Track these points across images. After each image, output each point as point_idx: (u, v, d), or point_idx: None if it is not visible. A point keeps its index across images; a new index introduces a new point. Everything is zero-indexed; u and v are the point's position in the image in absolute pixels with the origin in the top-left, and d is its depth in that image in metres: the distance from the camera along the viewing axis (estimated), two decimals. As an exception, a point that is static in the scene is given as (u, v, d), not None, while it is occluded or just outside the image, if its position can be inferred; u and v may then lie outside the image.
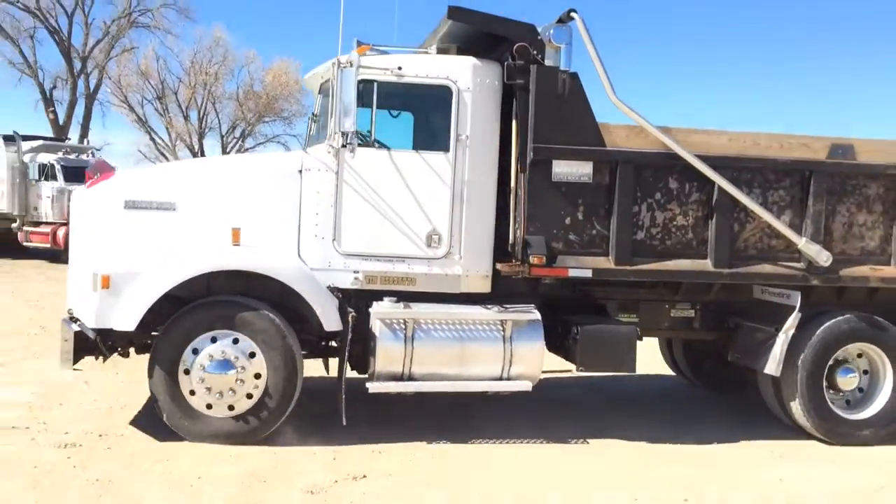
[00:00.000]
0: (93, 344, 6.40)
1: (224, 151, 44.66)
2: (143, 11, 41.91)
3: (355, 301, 6.81)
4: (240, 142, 46.94)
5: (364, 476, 5.89)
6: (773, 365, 7.14)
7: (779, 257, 7.15)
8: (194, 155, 43.47)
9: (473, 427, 7.25)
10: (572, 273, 6.83)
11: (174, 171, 7.05)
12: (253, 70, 46.67)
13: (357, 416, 6.64)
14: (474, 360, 6.74)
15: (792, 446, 7.20)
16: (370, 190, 6.76)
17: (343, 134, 6.27)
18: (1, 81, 49.49)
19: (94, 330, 6.22)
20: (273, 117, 47.72)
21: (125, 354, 6.88)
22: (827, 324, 7.21)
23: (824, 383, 7.25)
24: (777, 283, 7.23)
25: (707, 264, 7.02)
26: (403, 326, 6.62)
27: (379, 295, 6.79)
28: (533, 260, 6.71)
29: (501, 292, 7.14)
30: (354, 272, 6.77)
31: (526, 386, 6.79)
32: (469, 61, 6.85)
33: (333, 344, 7.05)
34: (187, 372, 6.31)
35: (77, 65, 40.85)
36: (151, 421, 6.69)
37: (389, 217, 6.78)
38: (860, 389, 7.45)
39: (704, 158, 6.88)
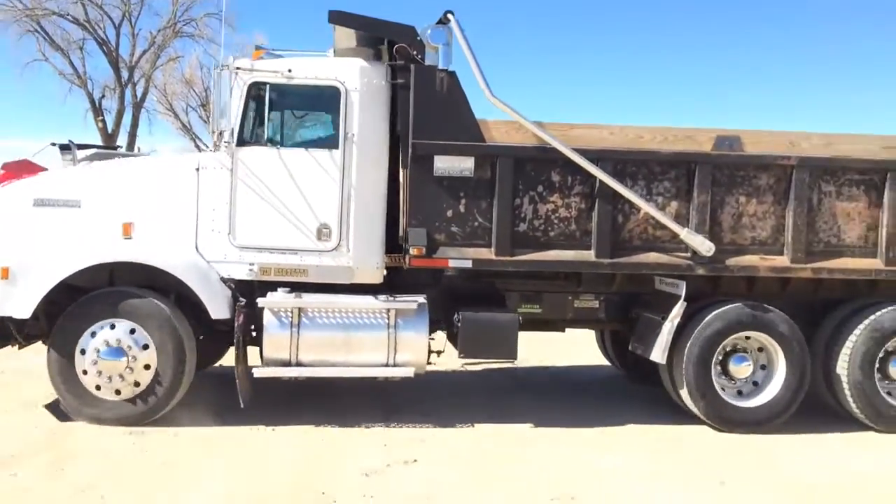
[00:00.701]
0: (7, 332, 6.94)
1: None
2: (187, 21, 42.78)
3: (259, 293, 7.19)
4: (282, 146, 47.87)
5: (415, 460, 6.27)
6: (658, 352, 7.28)
7: (666, 248, 7.28)
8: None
9: (517, 412, 7.74)
10: (452, 263, 7.09)
11: (83, 171, 7.54)
12: None
13: (402, 405, 7.54)
14: (360, 347, 7.07)
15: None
16: (263, 186, 7.13)
17: (225, 133, 6.67)
18: (52, 93, 51.68)
19: None
20: (314, 121, 48.73)
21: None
22: (714, 312, 7.30)
23: (716, 370, 7.34)
24: (661, 273, 7.36)
25: (590, 255, 7.19)
26: (290, 315, 6.98)
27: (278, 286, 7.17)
28: (412, 251, 7.00)
29: (406, 284, 7.43)
30: (249, 264, 7.16)
31: (409, 372, 7.07)
32: (356, 63, 7.18)
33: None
34: (83, 352, 6.79)
35: (124, 74, 42.03)
36: (210, 409, 7.18)
37: (282, 212, 7.15)
38: (755, 382, 7.50)
39: (585, 152, 7.06)
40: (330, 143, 7.19)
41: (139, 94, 43.41)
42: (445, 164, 7.07)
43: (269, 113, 7.14)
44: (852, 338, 7.37)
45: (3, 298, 6.73)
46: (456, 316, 7.20)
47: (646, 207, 7.13)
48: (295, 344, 6.97)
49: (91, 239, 6.93)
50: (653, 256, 7.28)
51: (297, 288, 7.21)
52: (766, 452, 6.83)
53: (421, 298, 7.20)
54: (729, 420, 7.34)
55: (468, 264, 7.11)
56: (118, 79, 41.71)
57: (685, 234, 7.14)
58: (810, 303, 7.77)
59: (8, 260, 6.78)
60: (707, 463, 6.50)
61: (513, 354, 7.27)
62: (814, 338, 7.62)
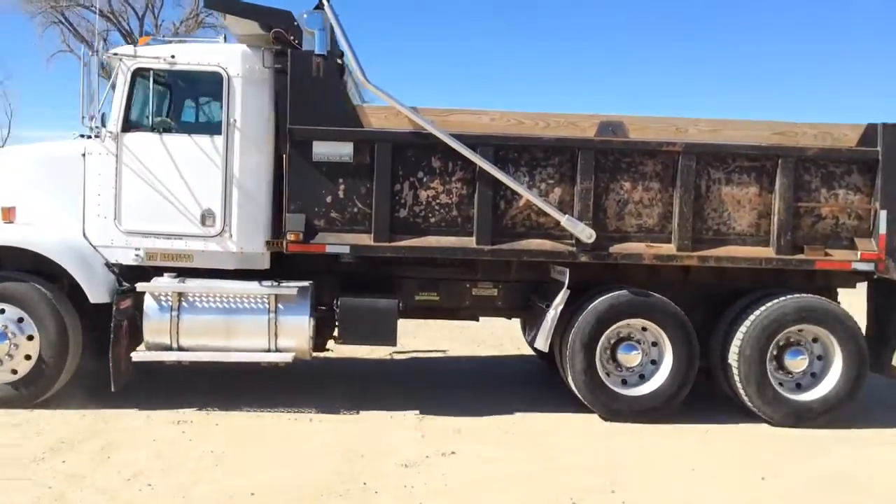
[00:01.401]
0: None
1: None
2: (209, 12, 43.13)
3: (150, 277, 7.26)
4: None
5: (453, 452, 6.28)
6: (541, 340, 7.26)
7: (552, 234, 7.23)
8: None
9: (538, 403, 7.78)
10: (329, 249, 7.11)
11: None
12: None
13: (439, 397, 7.67)
14: (241, 332, 7.12)
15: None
16: (147, 171, 7.19)
17: (95, 118, 6.74)
18: (76, 85, 52.21)
19: None
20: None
21: None
22: (598, 299, 7.24)
23: (601, 358, 7.28)
24: (544, 260, 7.31)
25: (471, 241, 7.17)
26: (170, 300, 7.04)
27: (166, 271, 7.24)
28: (290, 237, 7.04)
29: (301, 271, 7.45)
30: (136, 249, 7.23)
31: (288, 357, 7.10)
32: (238, 48, 7.22)
33: None
34: None
35: None
36: (250, 400, 7.37)
37: (167, 197, 7.20)
38: (641, 375, 7.44)
39: (464, 137, 7.03)
40: (213, 128, 7.24)
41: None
42: (324, 150, 7.08)
43: (152, 99, 7.19)
44: (743, 328, 7.26)
45: None
46: (335, 302, 7.21)
47: (524, 193, 7.09)
48: (175, 328, 7.03)
49: None
50: (535, 243, 7.24)
51: (187, 274, 7.27)
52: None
53: (304, 284, 7.22)
54: (614, 410, 7.28)
55: (346, 250, 7.12)
56: None
57: (565, 220, 7.09)
58: (716, 293, 7.66)
59: None
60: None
61: (391, 340, 7.29)
62: (715, 328, 7.53)
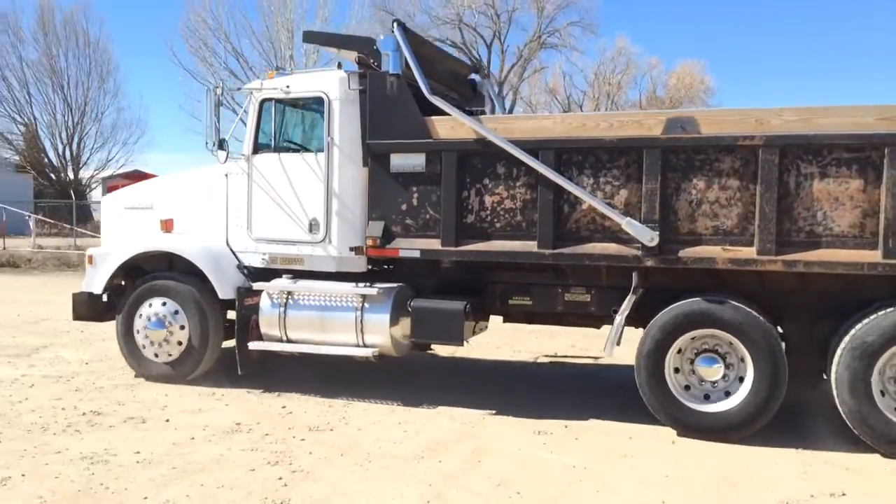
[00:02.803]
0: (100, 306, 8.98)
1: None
2: (551, 32, 45.32)
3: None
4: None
5: (843, 494, 5.55)
6: (607, 346, 7.01)
7: (617, 238, 6.96)
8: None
9: None
10: (402, 253, 7.60)
11: (156, 183, 9.41)
12: (655, 75, 47.84)
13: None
14: (334, 327, 7.90)
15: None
16: (270, 187, 8.33)
17: (214, 143, 8.02)
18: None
19: (86, 293, 8.85)
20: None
21: None
22: (666, 309, 6.80)
23: (671, 371, 6.84)
24: (607, 264, 7.03)
25: (533, 245, 7.17)
26: (280, 298, 8.08)
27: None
28: (368, 242, 7.67)
29: (401, 275, 8.10)
30: (263, 254, 8.41)
31: (372, 353, 7.72)
32: (336, 74, 8.04)
33: None
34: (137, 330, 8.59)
35: (495, 89, 45.61)
36: (615, 414, 7.39)
37: (284, 208, 8.27)
38: (726, 391, 6.79)
39: (525, 143, 7.09)
40: (318, 147, 8.13)
41: (508, 107, 46.84)
42: (400, 161, 7.61)
43: (275, 124, 8.32)
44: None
45: (89, 279, 8.83)
46: (409, 303, 7.67)
47: (582, 196, 6.92)
48: (283, 322, 8.04)
49: (148, 233, 8.75)
50: (599, 247, 7.01)
51: (302, 275, 8.26)
52: None
53: (391, 286, 7.80)
54: (684, 424, 6.77)
55: (416, 254, 7.55)
56: (487, 95, 45.02)
57: (626, 223, 6.78)
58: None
59: (93, 250, 8.88)
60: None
61: (458, 340, 7.55)
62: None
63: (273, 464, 5.91)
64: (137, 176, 10.20)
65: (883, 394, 6.33)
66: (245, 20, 35.78)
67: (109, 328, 9.19)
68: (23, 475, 5.59)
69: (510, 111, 44.73)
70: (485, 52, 44.58)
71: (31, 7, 39.02)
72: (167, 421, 7.07)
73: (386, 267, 8.25)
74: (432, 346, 8.33)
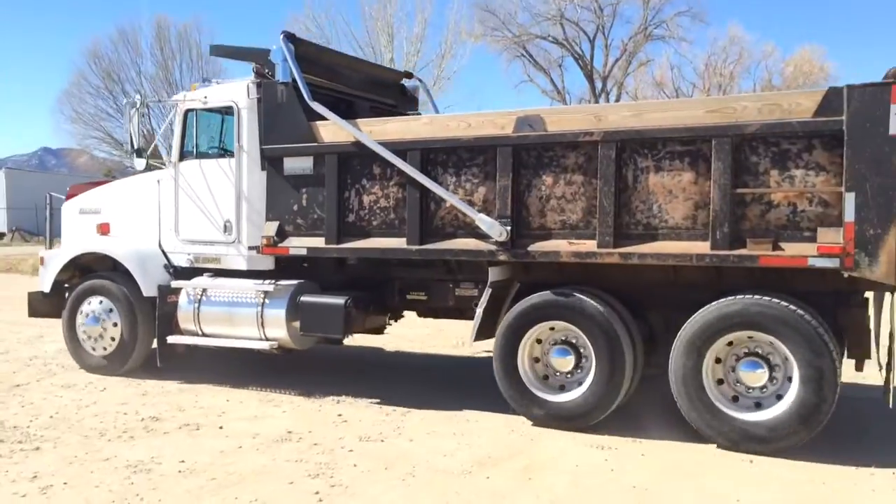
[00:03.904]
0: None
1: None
2: (657, 24, 43.60)
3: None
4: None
5: None
6: (470, 338, 7.28)
7: (477, 234, 7.22)
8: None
9: None
10: (292, 251, 8.07)
11: (105, 189, 10.14)
12: (771, 64, 45.16)
13: None
14: (240, 322, 8.43)
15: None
16: (193, 192, 8.96)
17: (135, 152, 8.71)
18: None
19: (40, 292, 9.68)
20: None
21: None
22: (523, 301, 7.03)
23: (526, 361, 7.05)
24: (467, 259, 7.31)
25: (403, 242, 7.51)
26: (195, 294, 8.68)
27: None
28: (263, 241, 8.18)
29: (311, 273, 8.60)
30: (188, 254, 9.04)
31: (270, 345, 8.21)
32: (244, 84, 8.60)
33: None
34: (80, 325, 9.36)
35: (598, 84, 44.33)
36: (676, 432, 6.62)
37: (204, 211, 8.88)
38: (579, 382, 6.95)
39: (396, 144, 7.45)
40: (229, 152, 8.71)
41: (611, 102, 45.68)
42: (292, 165, 8.10)
43: (196, 132, 8.95)
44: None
45: (40, 279, 9.67)
46: (296, 299, 8.11)
47: (442, 193, 7.23)
48: (197, 317, 8.64)
49: (87, 236, 9.52)
50: (460, 243, 7.29)
51: (223, 274, 8.85)
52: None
53: (289, 283, 8.27)
54: (534, 414, 6.97)
55: (304, 252, 8.01)
56: (592, 90, 44.03)
57: (478, 219, 7.04)
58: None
59: (44, 252, 9.72)
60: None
61: (338, 333, 7.93)
62: None
63: (314, 476, 5.69)
64: (100, 181, 10.95)
65: (717, 384, 6.37)
66: (346, 25, 37.04)
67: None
68: (65, 483, 5.56)
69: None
70: (587, 48, 43.74)
71: (148, 24, 40.99)
72: (220, 428, 6.99)
73: (304, 265, 8.70)
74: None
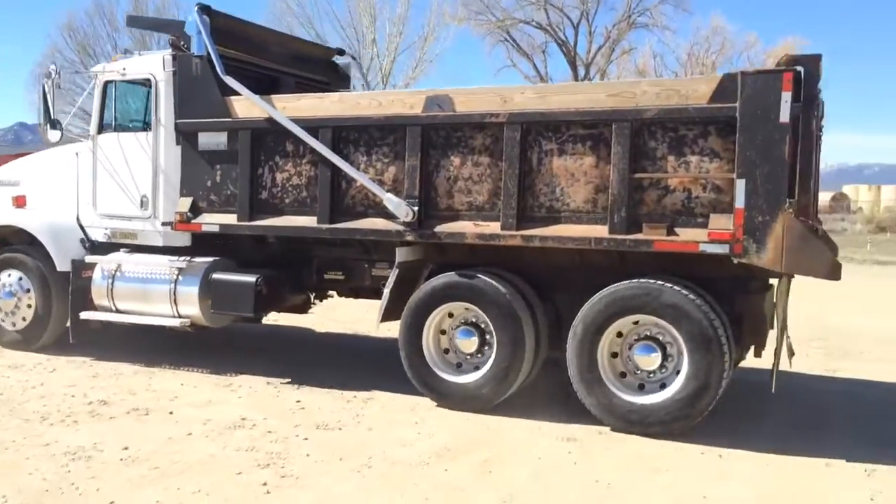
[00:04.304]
0: None
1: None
2: (641, 12, 43.88)
3: None
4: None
5: None
6: (378, 318, 7.26)
7: (385, 213, 7.18)
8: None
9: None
10: (205, 228, 7.98)
11: (24, 161, 9.95)
12: (753, 55, 44.88)
13: None
14: (153, 298, 8.32)
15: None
16: (111, 165, 8.82)
17: (48, 125, 8.53)
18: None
19: None
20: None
21: None
22: (428, 283, 7.03)
23: (431, 343, 7.07)
24: (375, 239, 7.29)
25: (314, 220, 7.46)
26: (109, 270, 8.56)
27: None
28: (176, 217, 8.08)
29: (233, 250, 8.49)
30: (105, 229, 8.90)
31: (181, 323, 8.12)
32: (160, 56, 8.45)
33: None
34: None
35: (581, 72, 44.07)
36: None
37: (121, 185, 8.74)
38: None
39: (308, 121, 7.38)
40: (147, 126, 8.57)
41: (595, 90, 45.11)
42: (206, 140, 7.99)
43: (116, 105, 8.79)
44: None
45: None
46: (208, 277, 8.03)
47: (350, 171, 7.19)
48: (111, 293, 8.52)
49: (2, 208, 9.33)
50: (369, 222, 7.26)
51: (141, 250, 8.72)
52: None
53: (205, 260, 8.17)
54: (440, 392, 6.99)
55: (216, 229, 7.92)
56: (575, 77, 43.47)
57: (385, 198, 7.02)
58: None
59: None
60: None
61: (249, 312, 7.86)
62: None
63: (264, 466, 5.43)
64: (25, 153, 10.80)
65: (612, 368, 6.43)
66: (328, 4, 36.96)
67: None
68: (-5, 470, 5.23)
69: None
70: (571, 34, 43.80)
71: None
72: (170, 413, 6.70)
73: (222, 242, 8.56)
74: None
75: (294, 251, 8.26)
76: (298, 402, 7.14)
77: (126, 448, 5.75)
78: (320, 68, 9.86)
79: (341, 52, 10.36)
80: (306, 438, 6.08)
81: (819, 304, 12.92)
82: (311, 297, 9.00)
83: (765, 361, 7.45)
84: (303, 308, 9.12)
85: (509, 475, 5.39)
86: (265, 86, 8.43)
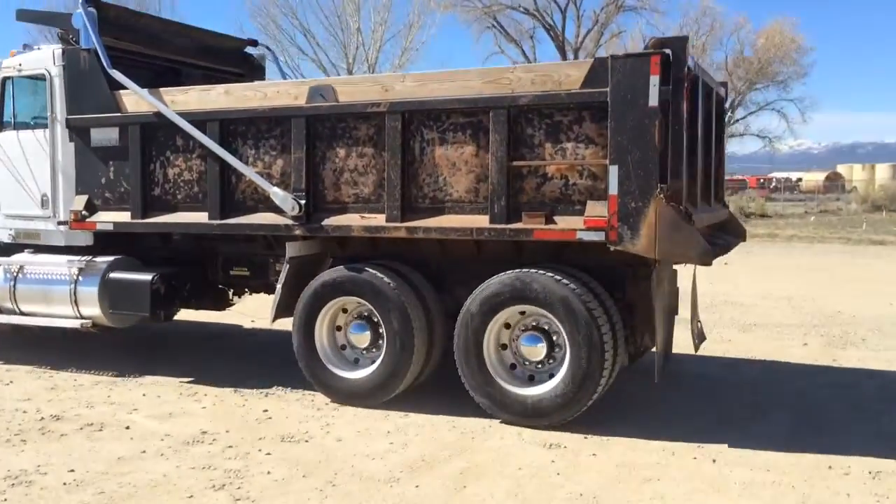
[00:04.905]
0: None
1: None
2: None
3: None
4: (729, 113, 44.46)
5: None
6: (271, 315, 7.14)
7: (276, 208, 7.03)
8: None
9: None
10: (99, 227, 7.82)
11: None
12: (743, 35, 45.08)
13: None
14: (54, 299, 8.17)
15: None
16: (12, 164, 8.60)
17: None
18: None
19: None
20: (766, 83, 45.59)
21: None
22: (318, 277, 6.90)
23: (324, 338, 6.96)
24: (264, 233, 7.18)
25: (205, 216, 7.31)
26: (11, 272, 8.38)
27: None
28: (70, 216, 7.90)
29: (136, 249, 8.31)
30: (9, 230, 8.72)
31: (82, 324, 7.97)
32: (53, 50, 8.22)
33: None
34: None
35: (570, 57, 43.31)
36: (649, 425, 6.22)
37: (23, 184, 8.54)
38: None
39: (196, 115, 7.21)
40: (44, 123, 8.36)
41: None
42: (98, 136, 7.81)
43: (14, 102, 8.57)
44: None
45: None
46: (104, 276, 7.86)
47: (237, 165, 7.04)
48: (13, 295, 8.35)
49: None
50: (259, 217, 7.12)
51: (45, 250, 8.54)
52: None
53: (105, 259, 8.01)
54: (333, 389, 6.88)
55: (110, 227, 7.76)
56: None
57: (272, 192, 6.87)
58: None
59: None
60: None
61: (146, 312, 7.70)
62: None
63: (219, 487, 5.03)
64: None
65: (499, 359, 6.34)
66: None
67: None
68: (-75, 500, 4.85)
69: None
70: (559, 19, 43.44)
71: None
72: (127, 428, 6.28)
73: (124, 240, 8.39)
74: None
75: (199, 248, 8.12)
76: (265, 411, 6.72)
77: (72, 470, 5.34)
78: (232, 60, 9.66)
79: (254, 43, 10.15)
80: (269, 453, 5.68)
81: (819, 289, 12.85)
82: (230, 294, 8.86)
83: (758, 353, 7.49)
84: (219, 305, 8.98)
85: (486, 490, 4.98)
86: (167, 79, 8.23)
